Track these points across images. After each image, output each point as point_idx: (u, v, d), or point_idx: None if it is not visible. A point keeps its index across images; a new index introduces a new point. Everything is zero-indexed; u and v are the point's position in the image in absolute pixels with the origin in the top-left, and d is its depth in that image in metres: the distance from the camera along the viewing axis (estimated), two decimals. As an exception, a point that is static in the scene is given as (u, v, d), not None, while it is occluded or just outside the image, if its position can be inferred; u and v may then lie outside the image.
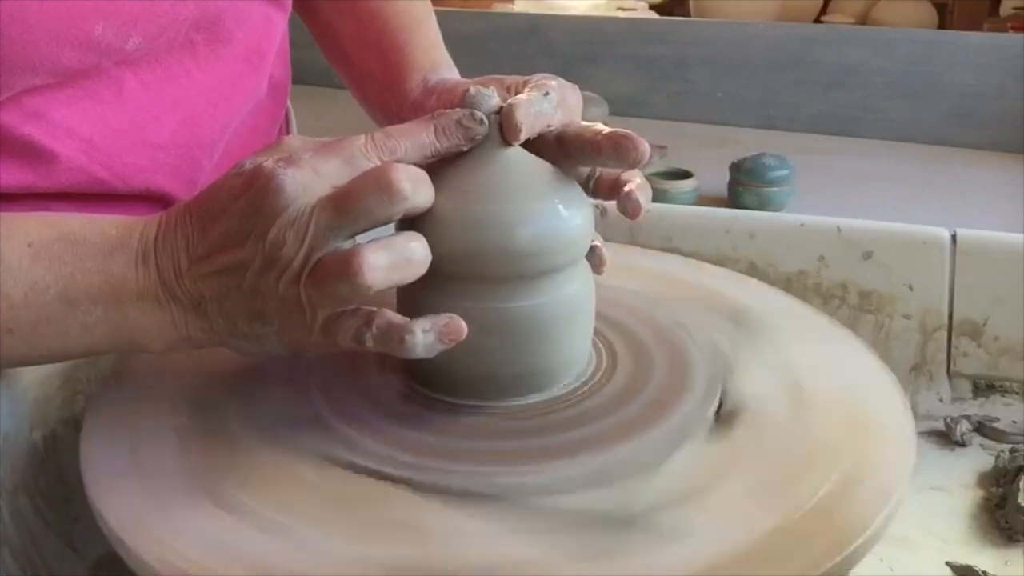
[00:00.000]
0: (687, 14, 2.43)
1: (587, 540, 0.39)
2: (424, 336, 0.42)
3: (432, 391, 0.48)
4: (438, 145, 0.44)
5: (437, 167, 0.46)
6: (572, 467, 0.43)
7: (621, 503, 0.41)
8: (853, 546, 0.38)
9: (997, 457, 0.59)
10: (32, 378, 0.54)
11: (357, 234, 0.42)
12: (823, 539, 0.39)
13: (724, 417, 0.47)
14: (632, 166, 0.46)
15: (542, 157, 0.47)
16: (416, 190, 0.42)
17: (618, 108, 1.52)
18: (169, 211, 0.45)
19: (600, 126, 0.47)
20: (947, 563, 0.51)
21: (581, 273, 0.49)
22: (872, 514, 0.40)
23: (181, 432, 0.45)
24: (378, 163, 0.42)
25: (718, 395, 0.48)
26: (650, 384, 0.49)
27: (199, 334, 0.44)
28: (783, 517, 0.40)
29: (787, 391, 0.49)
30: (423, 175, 0.43)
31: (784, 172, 1.24)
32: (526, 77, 0.52)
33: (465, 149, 0.45)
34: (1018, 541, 0.52)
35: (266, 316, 0.43)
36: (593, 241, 0.51)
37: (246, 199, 0.41)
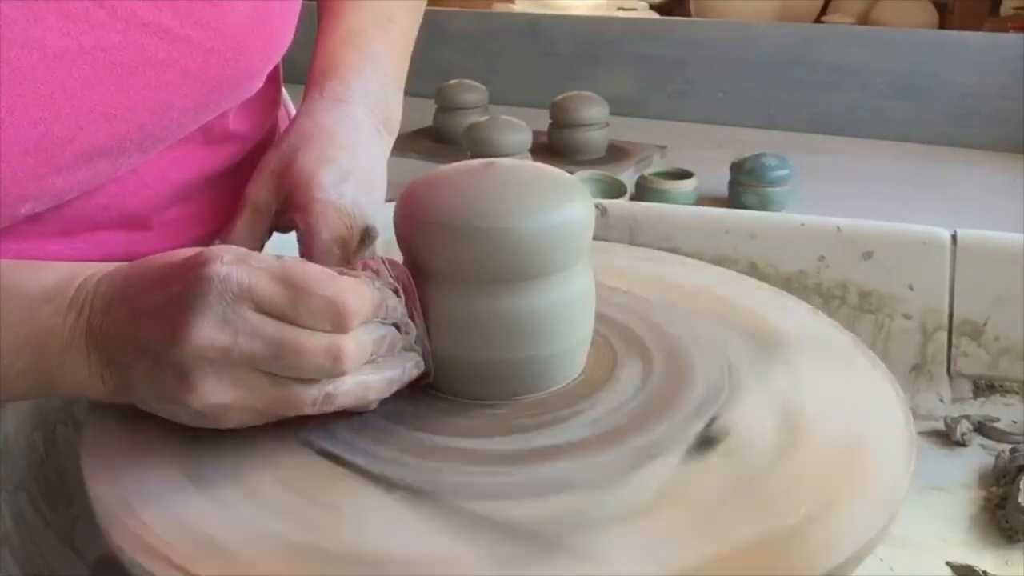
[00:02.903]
0: (687, 14, 2.43)
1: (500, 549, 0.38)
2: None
3: (430, 389, 0.48)
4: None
5: (437, 170, 0.46)
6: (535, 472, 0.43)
7: (571, 512, 0.40)
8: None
9: (997, 457, 0.59)
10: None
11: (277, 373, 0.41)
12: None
13: (706, 439, 0.45)
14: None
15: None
16: (357, 362, 0.42)
17: (618, 108, 1.51)
18: (119, 265, 0.45)
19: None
20: (947, 563, 0.51)
21: (581, 273, 0.49)
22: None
23: (180, 431, 0.45)
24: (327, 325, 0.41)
25: (707, 416, 0.46)
26: (643, 392, 0.49)
27: (119, 392, 0.44)
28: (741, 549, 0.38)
29: (783, 417, 0.47)
30: (366, 353, 0.43)
31: (784, 172, 1.24)
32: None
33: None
34: (1018, 541, 0.52)
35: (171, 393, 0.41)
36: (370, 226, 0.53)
37: (178, 284, 0.41)
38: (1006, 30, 2.03)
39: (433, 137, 1.60)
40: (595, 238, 0.50)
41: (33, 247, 0.54)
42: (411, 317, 0.46)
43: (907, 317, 0.67)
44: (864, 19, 2.40)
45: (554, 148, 1.47)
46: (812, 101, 1.65)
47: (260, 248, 0.55)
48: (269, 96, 0.67)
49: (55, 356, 0.43)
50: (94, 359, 0.43)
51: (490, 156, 0.53)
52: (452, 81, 1.62)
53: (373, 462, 0.43)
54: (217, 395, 0.40)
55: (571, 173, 0.52)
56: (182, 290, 0.40)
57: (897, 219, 0.70)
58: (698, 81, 1.72)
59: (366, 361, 0.43)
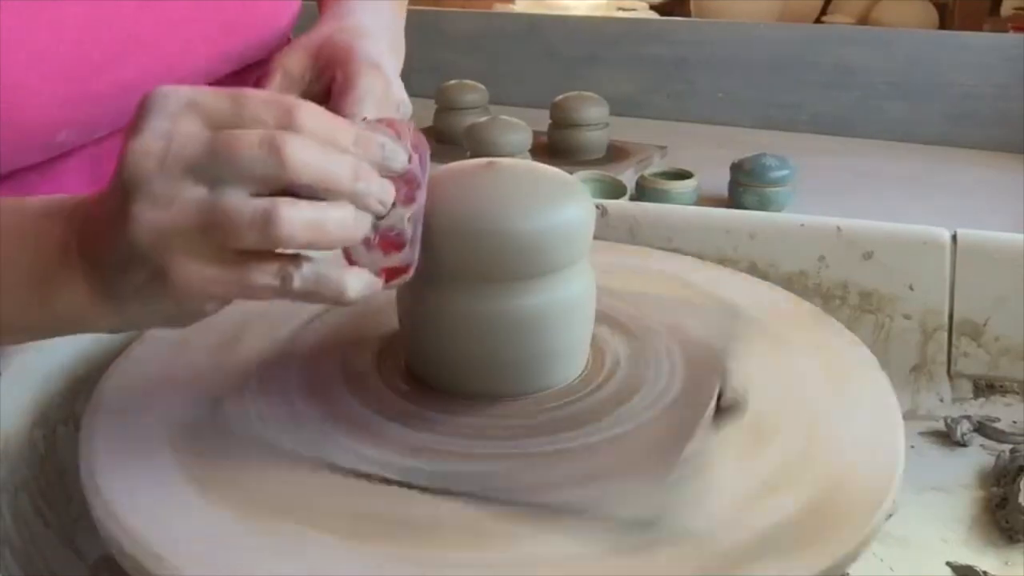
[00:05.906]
0: (687, 14, 2.43)
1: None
2: (360, 276, 0.40)
3: (430, 389, 0.48)
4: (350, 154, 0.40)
5: (437, 170, 0.46)
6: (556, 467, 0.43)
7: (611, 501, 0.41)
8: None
9: (997, 457, 0.58)
10: (33, 377, 0.54)
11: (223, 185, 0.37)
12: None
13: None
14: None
15: None
16: (306, 164, 0.37)
17: (618, 108, 1.51)
18: None
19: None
20: (947, 563, 0.51)
21: (581, 272, 0.49)
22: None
23: (180, 432, 0.45)
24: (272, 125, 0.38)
25: (714, 399, 0.48)
26: (645, 385, 0.49)
27: (98, 283, 0.40)
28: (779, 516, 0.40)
29: (781, 391, 0.49)
30: (319, 149, 0.38)
31: (784, 172, 1.24)
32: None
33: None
34: (1018, 541, 0.52)
35: (136, 252, 0.38)
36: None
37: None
38: (1006, 30, 2.03)
39: (433, 137, 1.59)
40: (595, 238, 0.50)
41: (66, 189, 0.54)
42: (416, 193, 0.43)
43: (907, 317, 0.67)
44: (864, 19, 2.40)
45: (554, 148, 1.47)
46: (812, 101, 1.65)
47: None
48: None
49: (49, 259, 0.41)
50: (82, 259, 0.41)
51: (490, 156, 0.53)
52: (452, 81, 1.62)
53: (365, 464, 0.43)
54: (150, 215, 0.37)
55: (571, 173, 0.52)
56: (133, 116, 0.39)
57: (897, 219, 0.70)
58: (698, 81, 1.72)
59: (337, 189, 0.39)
